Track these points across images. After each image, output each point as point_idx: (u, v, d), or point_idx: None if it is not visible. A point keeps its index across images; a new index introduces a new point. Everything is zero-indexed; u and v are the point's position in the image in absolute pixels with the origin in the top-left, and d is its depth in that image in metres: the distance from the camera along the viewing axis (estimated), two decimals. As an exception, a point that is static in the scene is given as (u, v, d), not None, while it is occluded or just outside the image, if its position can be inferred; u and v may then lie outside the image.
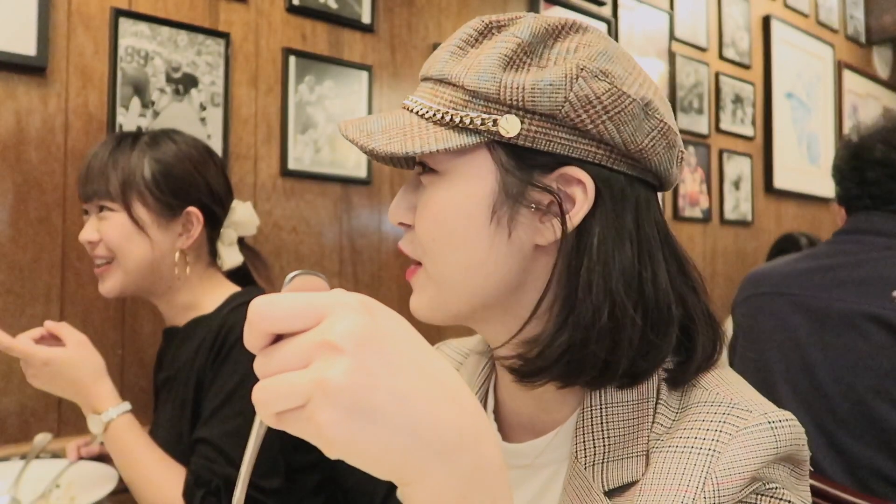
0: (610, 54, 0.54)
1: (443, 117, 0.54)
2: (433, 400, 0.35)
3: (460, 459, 0.34)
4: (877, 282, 1.14)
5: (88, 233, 1.09)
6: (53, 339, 1.03)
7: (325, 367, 0.33)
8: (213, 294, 1.15)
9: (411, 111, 0.56)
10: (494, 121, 0.52)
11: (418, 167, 0.59)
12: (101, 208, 1.08)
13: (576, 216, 0.53)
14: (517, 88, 0.51)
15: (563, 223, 0.53)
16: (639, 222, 0.55)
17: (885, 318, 1.09)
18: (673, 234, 0.59)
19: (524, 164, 0.54)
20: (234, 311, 1.09)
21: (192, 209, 1.12)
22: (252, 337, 0.36)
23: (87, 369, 1.00)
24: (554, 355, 0.53)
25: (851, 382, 1.12)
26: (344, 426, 0.33)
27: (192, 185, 1.12)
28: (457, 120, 0.53)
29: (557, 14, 2.21)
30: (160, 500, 0.96)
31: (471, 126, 0.53)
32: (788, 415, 0.51)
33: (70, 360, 0.99)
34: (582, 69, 0.52)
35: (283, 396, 0.34)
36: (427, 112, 0.55)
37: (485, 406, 0.67)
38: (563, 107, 0.51)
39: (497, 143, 0.54)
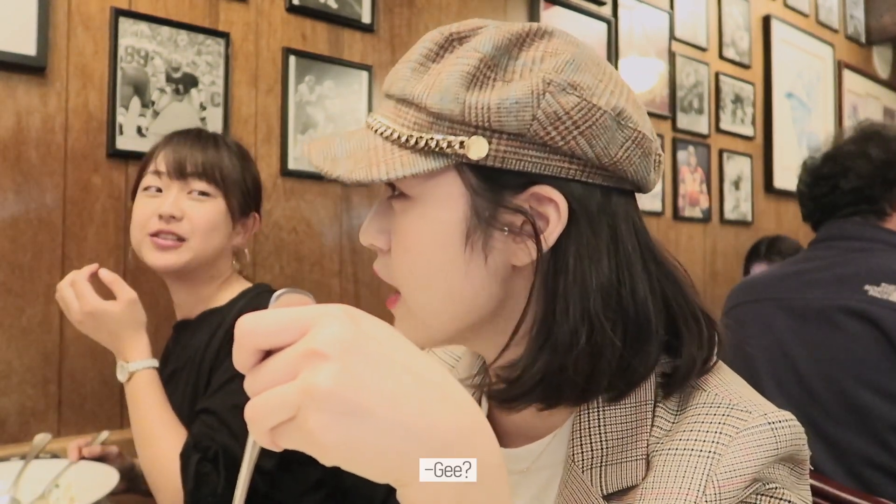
0: (578, 62, 0.51)
1: (407, 140, 0.51)
2: (424, 399, 0.35)
3: (454, 457, 0.34)
4: (849, 278, 1.21)
5: (172, 208, 1.10)
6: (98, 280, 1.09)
7: (311, 374, 0.33)
8: (228, 289, 1.20)
9: (375, 131, 0.54)
10: (461, 143, 0.50)
11: (388, 189, 0.57)
12: (199, 192, 1.12)
13: (550, 236, 0.52)
14: (482, 109, 0.49)
15: (538, 244, 0.51)
16: (616, 234, 0.54)
17: (859, 309, 1.16)
18: (654, 237, 0.57)
19: (494, 185, 0.52)
20: (252, 300, 1.16)
21: (255, 214, 1.23)
22: (241, 355, 0.36)
23: (128, 324, 1.06)
24: (531, 381, 0.52)
25: (833, 374, 1.17)
26: (335, 430, 0.33)
27: (259, 191, 1.24)
28: (422, 143, 0.51)
29: (557, 14, 2.21)
30: (158, 456, 0.99)
31: (437, 149, 0.50)
32: (788, 415, 0.51)
33: (115, 315, 1.05)
34: (549, 83, 0.49)
35: (274, 410, 0.34)
36: (392, 134, 0.52)
37: None
38: (531, 125, 0.49)
39: (465, 165, 0.51)
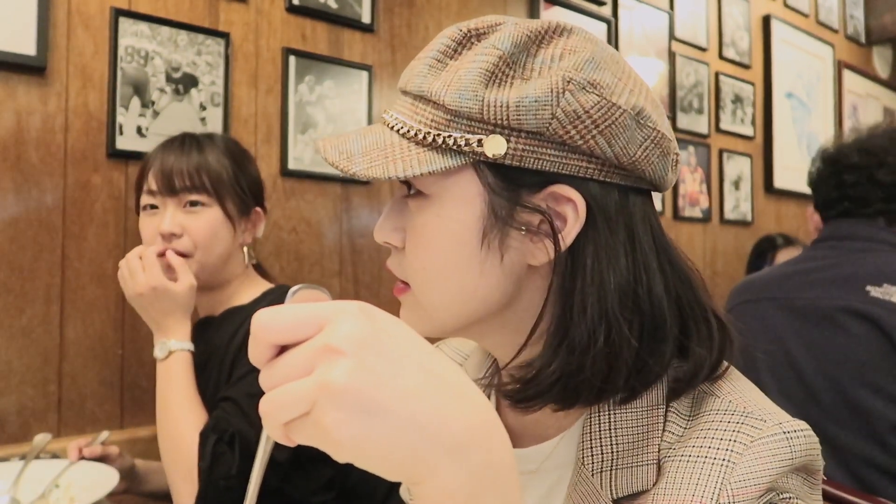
0: (597, 60, 0.51)
1: (425, 137, 0.51)
2: (440, 397, 0.35)
3: (470, 457, 0.34)
4: (852, 279, 1.20)
5: (171, 225, 1.12)
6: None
7: (327, 370, 0.33)
8: (250, 287, 1.22)
9: (391, 128, 0.54)
10: (479, 141, 0.50)
11: (404, 187, 0.57)
12: (191, 203, 1.14)
13: (567, 236, 0.51)
14: (501, 107, 0.49)
15: (556, 244, 0.51)
16: (633, 234, 0.53)
17: (861, 310, 1.15)
18: (669, 238, 0.57)
19: (512, 183, 0.51)
20: (277, 300, 1.18)
21: (258, 209, 1.24)
22: (257, 350, 0.36)
23: (182, 307, 1.10)
24: (547, 382, 0.52)
25: (834, 375, 1.17)
26: (350, 426, 0.33)
27: (259, 186, 1.25)
28: (440, 141, 0.50)
29: (557, 14, 2.21)
30: (178, 436, 1.03)
31: (454, 147, 0.50)
32: (803, 424, 0.51)
33: (175, 295, 1.08)
34: (569, 81, 0.49)
35: (289, 405, 0.34)
36: (409, 131, 0.52)
37: None
38: (550, 123, 0.49)
39: (483, 163, 0.51)
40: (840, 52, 3.63)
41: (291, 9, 1.64)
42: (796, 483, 0.50)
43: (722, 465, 0.48)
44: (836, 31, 3.62)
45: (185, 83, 1.48)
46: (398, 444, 0.33)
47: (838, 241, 1.30)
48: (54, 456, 1.16)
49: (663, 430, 0.52)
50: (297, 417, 0.34)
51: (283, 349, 0.36)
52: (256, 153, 1.58)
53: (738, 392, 0.54)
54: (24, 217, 1.29)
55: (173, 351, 1.08)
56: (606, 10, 2.41)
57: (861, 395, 1.13)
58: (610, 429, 0.53)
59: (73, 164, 1.34)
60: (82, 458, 1.09)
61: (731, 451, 0.48)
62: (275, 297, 1.20)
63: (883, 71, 4.06)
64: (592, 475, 0.52)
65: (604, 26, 2.39)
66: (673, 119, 2.64)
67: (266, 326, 0.36)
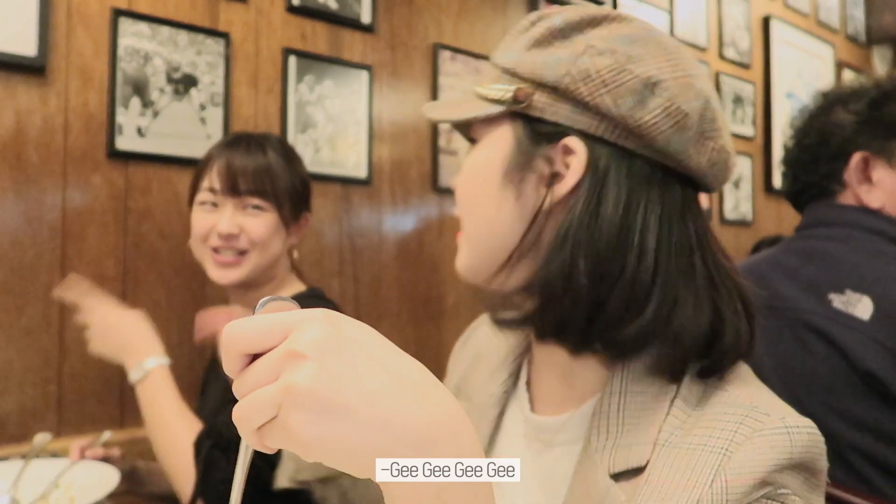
0: (634, 38, 0.56)
1: (482, 91, 0.61)
2: (403, 397, 0.36)
3: (436, 452, 0.35)
4: (817, 283, 1.10)
5: (230, 226, 1.14)
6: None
7: (291, 374, 0.35)
8: (286, 288, 1.24)
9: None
10: (513, 92, 0.57)
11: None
12: (251, 205, 1.15)
13: (565, 185, 0.57)
14: (532, 63, 0.57)
15: (549, 186, 0.58)
16: (634, 199, 0.55)
17: (819, 326, 1.08)
18: (707, 228, 0.59)
19: (534, 133, 0.58)
20: (306, 306, 1.16)
21: (308, 214, 1.27)
22: (229, 361, 0.38)
23: (137, 325, 1.14)
24: (534, 305, 0.58)
25: (802, 399, 1.09)
26: (314, 427, 0.34)
27: (309, 189, 1.27)
28: (487, 93, 0.60)
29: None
30: (176, 445, 1.03)
31: (497, 98, 0.59)
32: (808, 422, 0.51)
33: (121, 317, 1.14)
34: (591, 47, 0.55)
35: (258, 410, 0.36)
36: (479, 89, 0.62)
37: (518, 378, 0.70)
38: (564, 79, 0.55)
39: (517, 114, 0.59)
40: (840, 52, 3.63)
41: (291, 9, 1.64)
42: (797, 481, 0.50)
43: (721, 453, 0.49)
44: (836, 31, 3.62)
45: (185, 83, 1.48)
46: (362, 443, 0.35)
47: (815, 228, 1.19)
48: (54, 456, 1.16)
49: (667, 415, 0.54)
50: (267, 422, 0.36)
51: (254, 358, 0.37)
52: (256, 153, 1.58)
53: (745, 387, 0.55)
54: (24, 217, 1.29)
55: (150, 370, 1.08)
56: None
57: (829, 422, 1.05)
58: (619, 410, 0.56)
59: (73, 164, 1.34)
60: (83, 458, 1.09)
61: (732, 441, 0.49)
62: (308, 301, 1.18)
63: (883, 71, 4.06)
64: (596, 452, 0.55)
65: (604, 26, 2.38)
66: (673, 119, 2.64)
67: (234, 337, 0.37)
